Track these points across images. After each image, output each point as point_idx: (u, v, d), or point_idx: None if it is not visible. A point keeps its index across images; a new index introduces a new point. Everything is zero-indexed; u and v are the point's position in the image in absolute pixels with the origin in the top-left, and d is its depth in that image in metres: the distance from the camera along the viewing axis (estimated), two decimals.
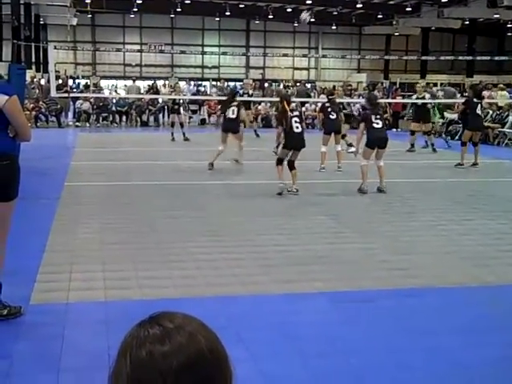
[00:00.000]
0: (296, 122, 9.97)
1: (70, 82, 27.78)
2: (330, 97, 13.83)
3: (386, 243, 7.14)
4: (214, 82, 37.25)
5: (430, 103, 18.42)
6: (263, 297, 5.31)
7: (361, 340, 4.45)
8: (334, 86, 25.75)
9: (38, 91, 24.87)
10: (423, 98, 17.77)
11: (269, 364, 4.01)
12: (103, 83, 34.34)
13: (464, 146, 13.90)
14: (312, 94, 28.47)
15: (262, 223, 7.96)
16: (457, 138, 20.28)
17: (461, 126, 20.35)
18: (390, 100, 24.79)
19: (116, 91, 32.79)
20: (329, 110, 13.10)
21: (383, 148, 10.46)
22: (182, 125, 19.28)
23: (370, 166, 10.31)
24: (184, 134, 18.87)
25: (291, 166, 9.92)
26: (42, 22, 39.53)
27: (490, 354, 4.22)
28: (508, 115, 19.44)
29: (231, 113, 12.73)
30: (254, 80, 34.02)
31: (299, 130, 9.99)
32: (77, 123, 23.47)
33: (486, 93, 22.52)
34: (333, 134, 12.96)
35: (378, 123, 10.49)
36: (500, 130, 19.36)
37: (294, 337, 4.43)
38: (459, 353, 4.23)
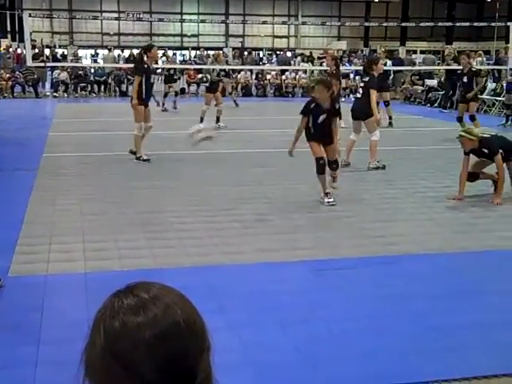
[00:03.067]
0: None
1: (47, 51, 27.29)
2: (367, 69, 10.18)
3: (366, 211, 7.18)
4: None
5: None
6: (244, 266, 5.32)
7: (341, 307, 4.49)
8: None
9: (13, 60, 24.48)
10: (384, 64, 16.95)
11: (249, 333, 4.04)
12: (81, 53, 33.81)
13: (460, 122, 13.18)
14: (292, 62, 28.26)
15: (242, 192, 7.95)
16: (436, 104, 20.36)
17: (440, 93, 20.46)
18: None
19: (96, 61, 32.36)
20: (359, 84, 11.03)
21: (362, 119, 9.67)
22: (176, 93, 19.35)
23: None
24: (175, 102, 18.89)
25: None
26: None
27: (467, 319, 4.28)
28: (486, 81, 19.49)
29: None
30: (233, 48, 33.72)
31: None
32: (54, 93, 23.14)
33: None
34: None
35: (359, 92, 10.04)
36: (479, 96, 19.40)
37: (275, 305, 4.45)
38: (437, 318, 4.28)
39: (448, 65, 19.59)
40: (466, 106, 13.37)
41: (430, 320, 4.24)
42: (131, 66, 23.76)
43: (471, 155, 7.74)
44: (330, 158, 7.63)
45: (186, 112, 17.72)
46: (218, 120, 14.44)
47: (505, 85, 17.66)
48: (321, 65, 16.89)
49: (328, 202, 7.40)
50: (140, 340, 1.03)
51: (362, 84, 9.99)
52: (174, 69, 20.89)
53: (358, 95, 10.00)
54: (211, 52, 23.58)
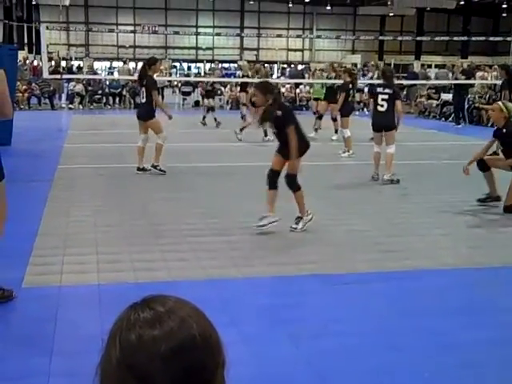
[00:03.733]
0: None
1: (63, 63, 27.56)
2: (384, 80, 10.11)
3: (380, 225, 7.14)
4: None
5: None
6: (257, 279, 5.31)
7: (353, 322, 4.46)
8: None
9: (30, 72, 24.72)
10: (335, 77, 16.04)
11: (261, 347, 4.02)
12: (96, 65, 34.11)
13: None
14: (306, 76, 28.31)
15: (256, 205, 7.94)
16: (450, 119, 20.29)
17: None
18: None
19: (112, 73, 32.63)
20: (380, 97, 9.79)
21: (388, 131, 9.64)
22: (209, 109, 18.13)
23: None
24: (216, 118, 17.65)
25: None
26: (34, 3, 39.23)
27: (482, 336, 4.24)
28: (501, 95, 19.39)
29: None
30: (248, 61, 33.82)
31: None
32: (70, 105, 23.32)
33: (479, 73, 22.54)
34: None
35: (382, 105, 9.62)
36: None
37: (288, 319, 4.44)
38: (451, 334, 4.25)
39: (456, 79, 19.43)
40: None
41: (445, 336, 4.20)
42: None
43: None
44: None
45: (199, 125, 17.79)
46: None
47: None
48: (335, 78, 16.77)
49: (257, 225, 6.59)
50: (156, 353, 1.04)
51: (384, 96, 9.62)
52: (213, 83, 19.51)
53: (381, 108, 9.62)
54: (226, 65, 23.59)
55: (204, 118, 17.91)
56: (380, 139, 9.78)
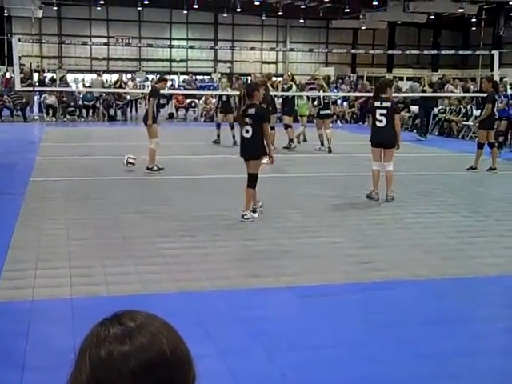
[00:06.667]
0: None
1: (36, 75, 27.33)
2: (382, 94, 9.31)
3: (352, 237, 7.19)
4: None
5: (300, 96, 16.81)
6: (231, 292, 5.30)
7: (328, 334, 4.48)
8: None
9: (1, 84, 24.48)
10: (290, 88, 15.93)
11: (236, 359, 4.01)
12: (70, 77, 33.88)
13: (480, 149, 12.25)
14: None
15: (231, 218, 7.95)
16: (415, 131, 20.47)
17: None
18: (357, 94, 24.97)
19: (84, 85, 32.42)
20: (378, 112, 9.21)
21: (388, 148, 9.18)
22: (232, 126, 15.85)
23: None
24: (234, 136, 15.42)
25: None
26: (6, 14, 38.87)
27: (455, 346, 4.29)
28: (471, 108, 19.68)
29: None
30: (221, 74, 33.89)
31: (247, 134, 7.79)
32: (46, 118, 23.02)
33: (449, 86, 22.81)
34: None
35: (381, 121, 9.10)
36: (464, 123, 19.61)
37: (262, 332, 4.44)
38: (425, 345, 4.29)
39: (423, 91, 19.60)
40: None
41: (418, 347, 4.24)
42: (118, 90, 23.99)
43: None
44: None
45: (173, 137, 17.76)
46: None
47: (496, 112, 17.53)
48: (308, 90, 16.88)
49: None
50: (126, 369, 1.03)
51: (383, 111, 9.08)
52: (228, 96, 16.95)
53: (380, 124, 9.10)
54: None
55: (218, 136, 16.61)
56: (379, 156, 9.26)
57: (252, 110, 7.70)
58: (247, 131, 7.75)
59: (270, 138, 8.13)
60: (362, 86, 26.81)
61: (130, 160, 11.39)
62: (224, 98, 17.02)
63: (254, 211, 7.86)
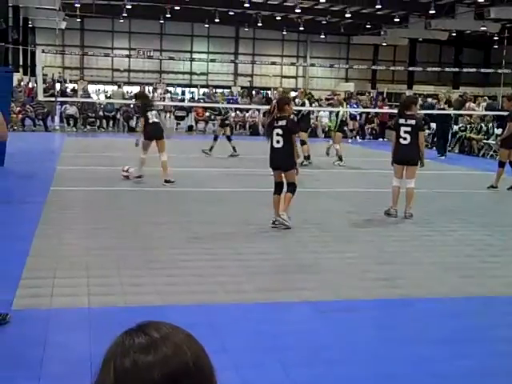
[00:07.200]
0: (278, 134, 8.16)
1: (58, 86, 27.61)
2: (407, 111, 9.22)
3: (371, 253, 7.15)
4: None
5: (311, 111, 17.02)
6: (247, 305, 5.29)
7: (344, 350, 4.45)
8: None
9: (24, 94, 24.76)
10: (303, 104, 15.83)
11: (252, 373, 4.00)
12: (91, 88, 34.18)
13: (502, 167, 12.17)
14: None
15: (247, 230, 7.95)
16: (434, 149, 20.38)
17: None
18: (376, 110, 24.93)
19: (106, 96, 32.68)
20: (402, 129, 9.13)
21: (412, 165, 9.14)
22: (229, 138, 16.74)
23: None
24: (234, 148, 16.46)
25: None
26: (30, 25, 39.40)
27: (472, 366, 4.24)
28: (493, 127, 19.57)
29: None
30: (241, 87, 34.00)
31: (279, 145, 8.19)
32: (67, 128, 23.23)
33: (470, 104, 22.70)
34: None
35: (405, 138, 9.01)
36: (485, 141, 19.50)
37: (278, 346, 4.42)
38: (442, 364, 4.24)
39: (442, 109, 19.31)
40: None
41: (434, 366, 4.19)
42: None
43: None
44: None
45: (192, 150, 17.81)
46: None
47: None
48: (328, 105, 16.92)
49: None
50: (150, 379, 1.03)
51: (407, 129, 9.01)
52: (226, 112, 17.64)
53: (404, 142, 9.03)
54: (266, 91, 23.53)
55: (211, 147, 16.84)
56: (401, 173, 9.21)
57: (283, 122, 8.11)
58: (278, 142, 8.17)
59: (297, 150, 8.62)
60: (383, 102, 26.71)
61: (124, 173, 11.72)
62: (222, 112, 17.38)
63: (289, 218, 8.10)
